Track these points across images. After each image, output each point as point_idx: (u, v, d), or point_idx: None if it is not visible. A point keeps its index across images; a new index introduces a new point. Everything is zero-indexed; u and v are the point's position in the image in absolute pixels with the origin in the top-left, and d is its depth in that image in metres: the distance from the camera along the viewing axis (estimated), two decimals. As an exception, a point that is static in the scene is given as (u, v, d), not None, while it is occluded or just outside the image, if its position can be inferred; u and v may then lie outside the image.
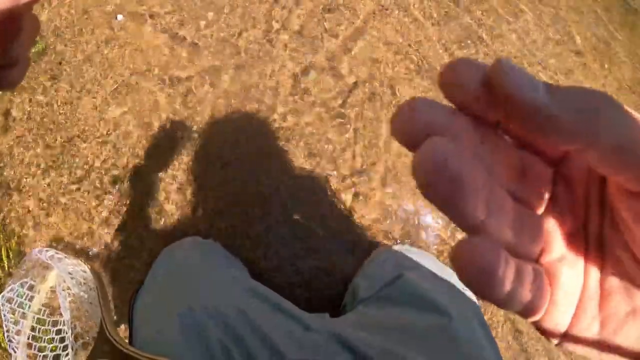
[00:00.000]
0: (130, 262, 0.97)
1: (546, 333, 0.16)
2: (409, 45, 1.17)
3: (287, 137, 1.05)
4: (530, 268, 0.15)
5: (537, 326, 0.16)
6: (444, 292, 0.61)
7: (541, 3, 1.30)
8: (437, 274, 0.66)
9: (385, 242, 0.98)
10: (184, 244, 0.74)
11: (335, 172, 1.03)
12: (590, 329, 0.16)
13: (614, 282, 0.16)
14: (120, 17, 1.18)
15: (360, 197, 1.02)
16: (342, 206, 1.01)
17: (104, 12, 1.18)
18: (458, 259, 0.14)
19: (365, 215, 1.01)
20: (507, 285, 0.14)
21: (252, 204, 1.00)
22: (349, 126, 1.07)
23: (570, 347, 0.16)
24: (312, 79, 1.11)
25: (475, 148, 0.16)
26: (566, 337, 0.16)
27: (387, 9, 1.21)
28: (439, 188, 0.14)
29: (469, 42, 1.20)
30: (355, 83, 1.12)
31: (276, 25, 1.16)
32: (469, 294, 0.61)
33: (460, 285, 0.60)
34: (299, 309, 0.65)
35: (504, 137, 0.17)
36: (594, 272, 0.16)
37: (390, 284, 0.65)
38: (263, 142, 1.05)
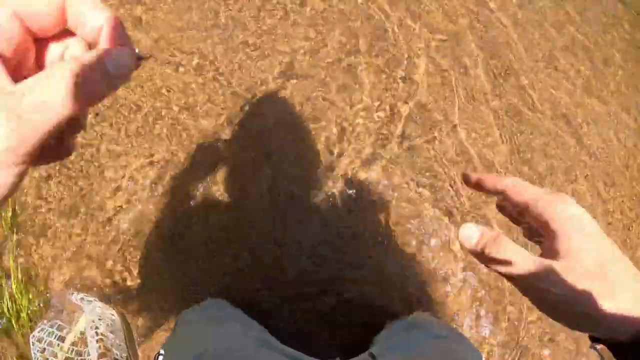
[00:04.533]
0: (153, 303, 1.02)
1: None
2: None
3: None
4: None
5: None
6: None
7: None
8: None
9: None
10: (202, 307, 0.79)
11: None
12: None
13: None
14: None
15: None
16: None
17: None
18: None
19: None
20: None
21: (264, 261, 1.06)
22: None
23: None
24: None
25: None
26: None
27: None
28: None
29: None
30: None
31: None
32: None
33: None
34: (309, 357, 0.71)
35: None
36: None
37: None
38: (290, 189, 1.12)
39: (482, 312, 1.06)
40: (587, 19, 1.46)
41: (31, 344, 0.92)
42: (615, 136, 1.30)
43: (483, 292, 1.08)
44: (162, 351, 0.70)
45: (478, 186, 0.35)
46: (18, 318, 0.98)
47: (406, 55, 1.28)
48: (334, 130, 1.18)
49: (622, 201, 1.23)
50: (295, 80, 1.22)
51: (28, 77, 0.19)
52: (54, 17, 0.20)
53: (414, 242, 1.10)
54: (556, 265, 0.28)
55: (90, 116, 1.15)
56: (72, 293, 0.88)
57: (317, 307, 1.04)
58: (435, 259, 1.09)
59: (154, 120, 1.15)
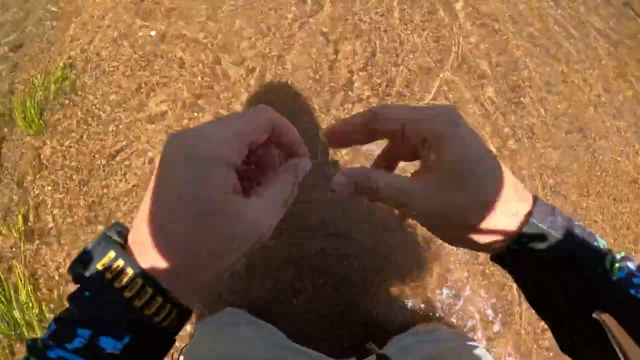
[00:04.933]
0: None
1: None
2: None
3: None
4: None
5: None
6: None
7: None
8: None
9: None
10: (219, 315, 0.81)
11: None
12: None
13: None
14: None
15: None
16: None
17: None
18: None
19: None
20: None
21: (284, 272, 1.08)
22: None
23: None
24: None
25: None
26: None
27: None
28: None
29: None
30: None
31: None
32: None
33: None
34: (326, 356, 0.73)
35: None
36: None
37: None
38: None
39: (494, 326, 1.07)
40: (603, 30, 1.50)
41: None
42: (624, 151, 1.33)
43: (493, 302, 1.09)
44: (181, 358, 0.71)
45: (343, 136, 0.32)
46: (30, 327, 0.98)
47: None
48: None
49: (629, 217, 1.25)
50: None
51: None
52: (265, 138, 0.28)
53: (424, 243, 1.12)
54: (422, 181, 0.28)
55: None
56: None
57: (319, 308, 1.04)
58: (448, 267, 1.10)
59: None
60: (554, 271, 0.28)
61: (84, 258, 0.24)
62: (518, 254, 0.29)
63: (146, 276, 0.24)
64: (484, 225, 0.27)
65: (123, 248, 0.25)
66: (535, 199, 0.29)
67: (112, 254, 0.24)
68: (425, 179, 0.28)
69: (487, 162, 0.28)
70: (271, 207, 0.27)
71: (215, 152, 0.24)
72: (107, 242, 0.25)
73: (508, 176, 0.28)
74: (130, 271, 0.24)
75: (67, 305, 0.25)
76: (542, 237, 0.28)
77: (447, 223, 0.28)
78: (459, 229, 0.28)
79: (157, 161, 0.28)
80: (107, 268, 0.24)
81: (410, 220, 1.12)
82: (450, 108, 0.29)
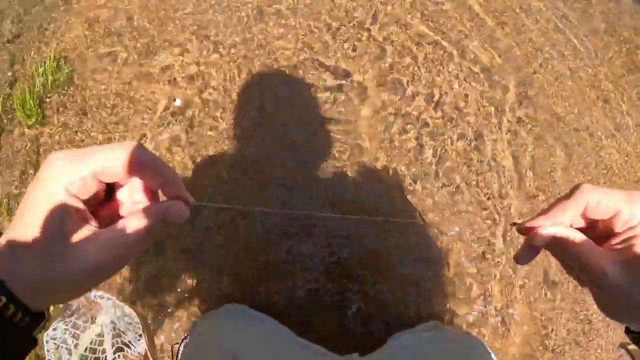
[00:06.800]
0: (168, 301, 1.01)
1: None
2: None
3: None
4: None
5: None
6: None
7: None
8: None
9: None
10: (223, 311, 0.80)
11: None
12: None
13: None
14: (178, 101, 1.21)
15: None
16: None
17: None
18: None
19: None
20: None
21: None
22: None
23: None
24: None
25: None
26: None
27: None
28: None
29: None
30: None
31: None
32: None
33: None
34: (329, 351, 0.72)
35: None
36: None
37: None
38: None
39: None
40: (612, 26, 1.48)
41: (45, 342, 0.91)
42: (632, 150, 1.32)
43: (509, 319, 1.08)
44: (181, 349, 0.70)
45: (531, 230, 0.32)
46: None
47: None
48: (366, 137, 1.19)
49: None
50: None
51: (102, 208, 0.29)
52: (121, 177, 0.27)
53: (432, 240, 1.11)
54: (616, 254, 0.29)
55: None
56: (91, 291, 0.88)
57: (320, 303, 1.04)
58: (455, 266, 1.10)
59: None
60: None
61: None
62: None
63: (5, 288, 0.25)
64: None
65: None
66: None
67: None
68: (615, 256, 0.29)
69: None
70: (104, 250, 0.26)
71: (64, 193, 0.25)
72: None
73: None
74: None
75: None
76: None
77: (614, 301, 0.30)
78: (619, 310, 0.30)
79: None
80: None
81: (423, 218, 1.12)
82: None
